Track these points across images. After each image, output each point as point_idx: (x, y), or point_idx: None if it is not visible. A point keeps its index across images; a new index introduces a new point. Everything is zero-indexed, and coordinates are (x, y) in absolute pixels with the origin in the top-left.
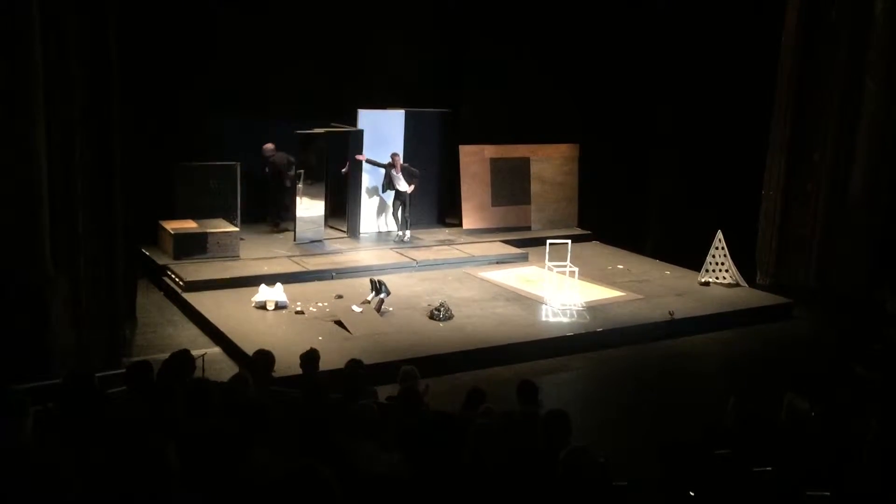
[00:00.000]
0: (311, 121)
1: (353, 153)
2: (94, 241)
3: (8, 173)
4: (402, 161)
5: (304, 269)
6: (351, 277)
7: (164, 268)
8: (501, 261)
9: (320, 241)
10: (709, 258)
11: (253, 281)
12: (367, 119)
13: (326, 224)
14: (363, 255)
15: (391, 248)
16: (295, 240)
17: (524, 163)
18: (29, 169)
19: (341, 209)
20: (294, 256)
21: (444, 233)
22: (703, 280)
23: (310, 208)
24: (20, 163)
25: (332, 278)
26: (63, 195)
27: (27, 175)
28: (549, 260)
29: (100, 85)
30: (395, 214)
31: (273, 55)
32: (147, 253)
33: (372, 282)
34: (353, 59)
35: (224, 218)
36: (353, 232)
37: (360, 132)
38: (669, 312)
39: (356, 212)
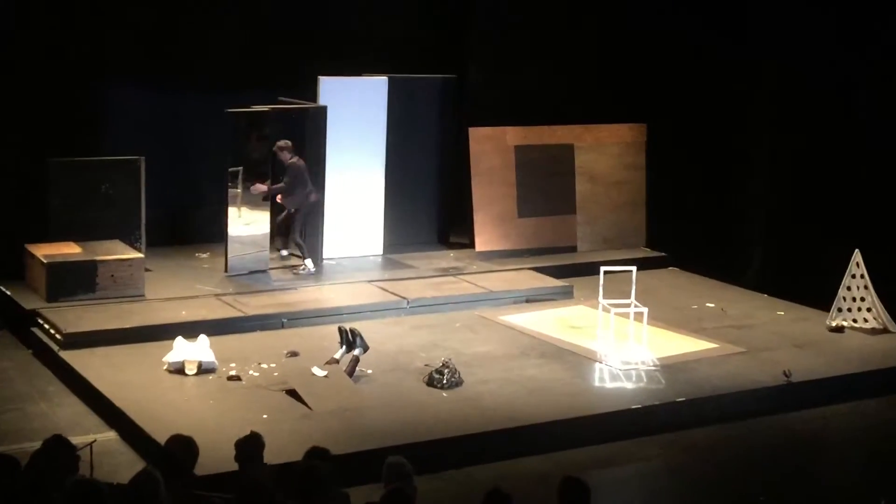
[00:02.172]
0: (251, 94)
1: (311, 139)
2: None
3: None
4: (290, 155)
5: (240, 315)
6: (311, 324)
7: (34, 314)
8: (533, 298)
9: (263, 271)
10: (842, 291)
11: (165, 332)
12: (333, 90)
13: (274, 247)
14: (328, 292)
15: (370, 282)
16: (226, 270)
17: (566, 152)
18: None
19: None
20: (225, 295)
21: (448, 257)
22: (834, 324)
23: (248, 223)
24: None
25: (281, 326)
26: None
27: None
28: (605, 296)
29: None
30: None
31: None
32: (8, 293)
33: (342, 332)
34: (312, 2)
35: (122, 240)
36: (313, 257)
37: (323, 109)
38: (785, 373)
39: (316, 228)
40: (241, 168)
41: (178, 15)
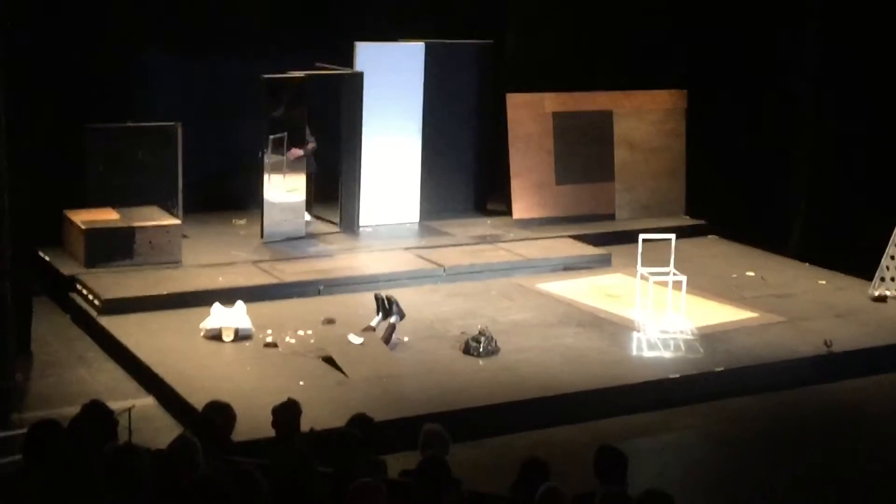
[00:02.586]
0: (287, 59)
1: (347, 106)
2: None
3: None
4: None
5: (277, 281)
6: (347, 292)
7: (72, 280)
8: (571, 266)
9: (300, 237)
10: (885, 261)
11: (202, 299)
12: (370, 56)
13: (310, 213)
14: (364, 258)
15: (407, 249)
16: (262, 237)
17: (605, 119)
18: None
19: (332, 191)
20: (262, 262)
21: (485, 225)
22: (876, 293)
23: (285, 190)
24: None
25: (318, 294)
26: None
27: None
28: (643, 265)
29: None
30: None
31: None
32: (47, 258)
33: (378, 299)
34: None
35: (159, 206)
36: (349, 225)
37: (359, 76)
38: (826, 343)
39: (353, 194)
40: (279, 135)
41: None
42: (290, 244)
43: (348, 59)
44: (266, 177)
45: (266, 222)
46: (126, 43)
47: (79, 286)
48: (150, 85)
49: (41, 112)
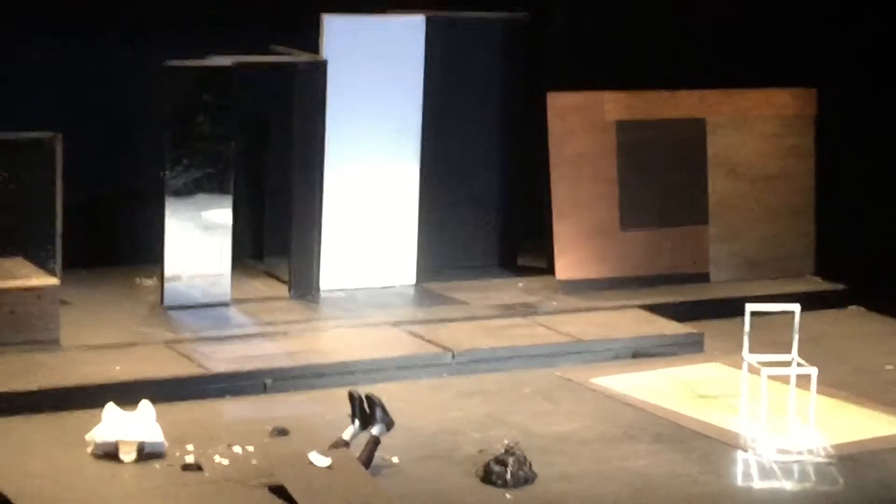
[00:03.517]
0: (230, 41)
1: (303, 111)
2: None
3: None
4: None
5: (202, 372)
6: (308, 388)
7: None
8: (643, 351)
9: (226, 304)
10: None
11: (90, 398)
12: (344, 35)
13: (242, 267)
14: (333, 339)
15: (397, 325)
16: (162, 300)
17: (694, 131)
18: None
19: (279, 234)
20: (180, 342)
21: (515, 289)
22: None
23: (200, 228)
24: None
25: (263, 391)
26: None
27: None
28: (753, 350)
29: None
30: None
31: None
32: None
33: (354, 400)
34: None
35: (27, 256)
36: (305, 287)
37: (321, 66)
38: None
39: (310, 242)
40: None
41: None
42: (219, 315)
43: (312, 40)
44: (168, 208)
45: (168, 275)
46: None
47: None
48: (13, 81)
49: None
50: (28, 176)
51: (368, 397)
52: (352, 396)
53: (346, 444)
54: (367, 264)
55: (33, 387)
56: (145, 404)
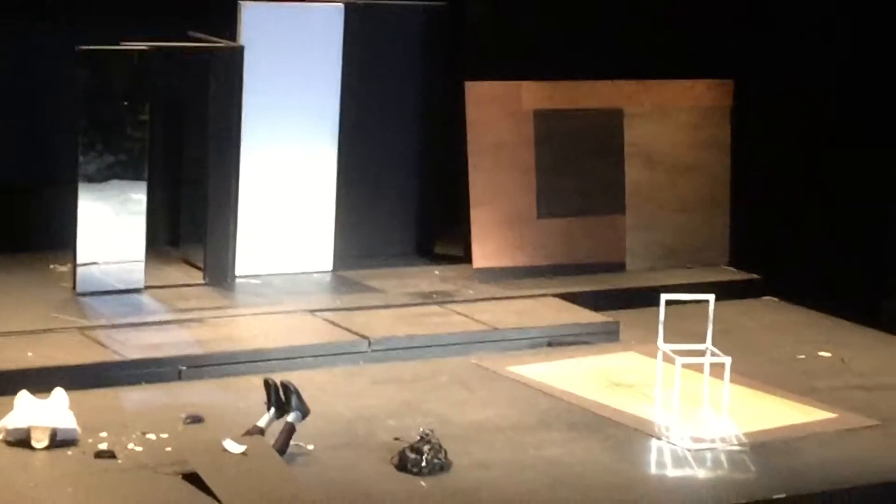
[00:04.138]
0: (145, 29)
1: (219, 97)
2: None
3: None
4: None
5: (116, 359)
6: (222, 374)
7: None
8: (558, 340)
9: (137, 290)
10: None
11: (2, 385)
12: (260, 23)
13: (157, 253)
14: (248, 326)
15: (313, 312)
16: (75, 286)
17: (611, 120)
18: None
19: (194, 221)
20: (93, 329)
21: (431, 277)
22: None
23: (112, 214)
24: None
25: (178, 378)
26: None
27: None
28: (668, 340)
29: None
30: None
31: None
32: None
33: (270, 387)
34: None
35: None
36: (220, 274)
37: (238, 52)
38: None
39: (225, 229)
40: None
41: None
42: (133, 301)
43: (231, 27)
44: (82, 194)
45: (81, 261)
46: None
47: None
48: None
49: None
50: None
51: (284, 384)
52: (267, 384)
53: (262, 431)
54: (283, 251)
55: None
56: (58, 392)
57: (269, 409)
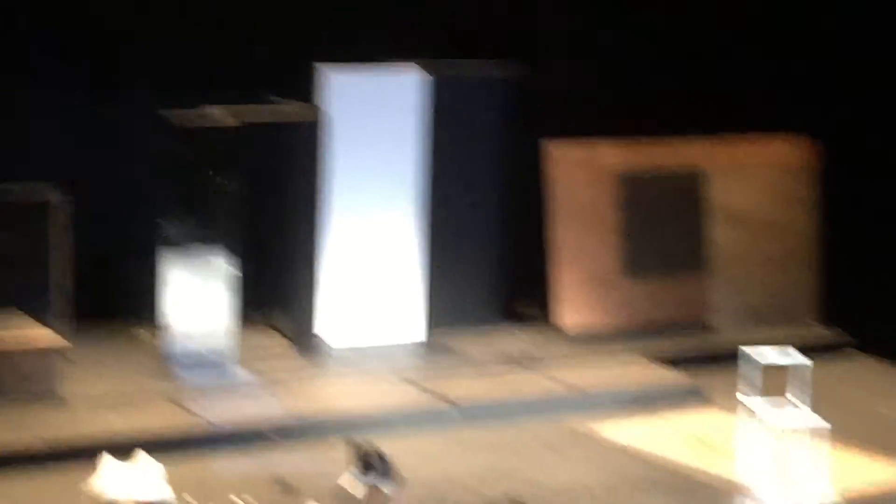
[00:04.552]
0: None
1: (301, 164)
2: None
3: None
4: None
5: (204, 426)
6: (310, 441)
7: None
8: (645, 400)
9: (225, 358)
10: None
11: (90, 451)
12: (341, 89)
13: (244, 320)
14: (338, 391)
15: (399, 377)
16: (165, 357)
17: (693, 181)
18: None
19: (280, 288)
20: (181, 396)
21: (515, 339)
22: None
23: (197, 287)
24: None
25: (265, 443)
26: None
27: None
28: (754, 398)
29: None
30: None
31: None
32: None
33: (358, 450)
34: None
35: (30, 312)
36: (306, 341)
37: (323, 119)
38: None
39: (309, 295)
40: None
41: None
42: (220, 369)
43: (306, 92)
44: (169, 262)
45: (168, 329)
46: None
47: None
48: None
49: None
50: (34, 232)
51: (375, 452)
52: (352, 445)
53: (351, 494)
54: (371, 318)
55: (35, 440)
56: (144, 457)
57: (355, 470)
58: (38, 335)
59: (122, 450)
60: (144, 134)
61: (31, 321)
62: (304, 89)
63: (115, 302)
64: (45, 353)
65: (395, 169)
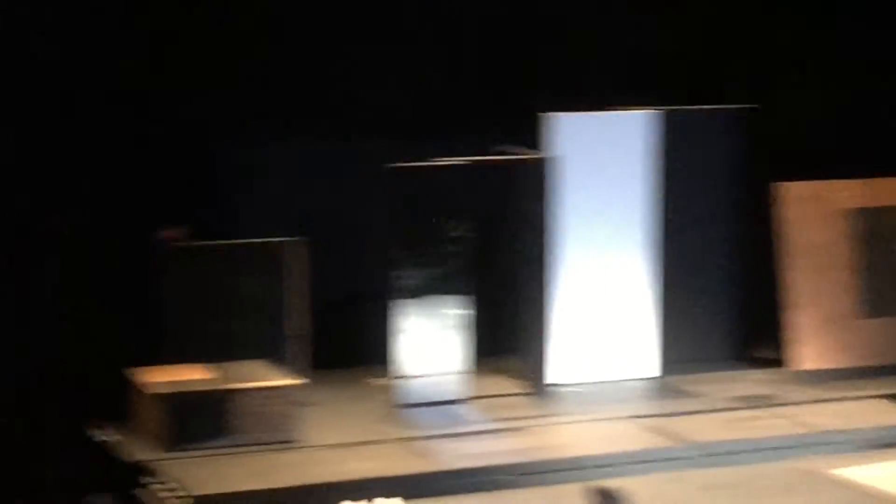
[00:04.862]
0: (445, 142)
1: (527, 208)
2: None
3: None
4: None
5: (437, 469)
6: (544, 484)
7: (144, 469)
8: (886, 442)
9: (457, 401)
10: None
11: (332, 495)
12: (567, 132)
13: (475, 363)
14: (569, 433)
15: (632, 418)
16: (396, 399)
17: None
18: None
19: (510, 331)
20: (415, 439)
21: (751, 380)
22: None
23: (428, 331)
24: None
25: (500, 487)
26: None
27: None
28: None
29: None
30: None
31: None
32: (107, 440)
33: (595, 495)
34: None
35: (266, 358)
36: (536, 382)
37: (545, 163)
38: None
39: (539, 338)
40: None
41: (337, 38)
42: (453, 412)
43: (530, 137)
44: (398, 308)
45: (400, 374)
46: (206, 132)
47: (155, 478)
48: (243, 186)
49: (95, 227)
50: (271, 280)
51: (613, 495)
52: (592, 491)
53: None
54: (603, 358)
55: (277, 484)
56: (383, 502)
57: None
58: (277, 381)
59: (360, 493)
60: (374, 182)
61: (269, 368)
62: (530, 135)
63: (349, 349)
64: (283, 399)
65: (623, 208)
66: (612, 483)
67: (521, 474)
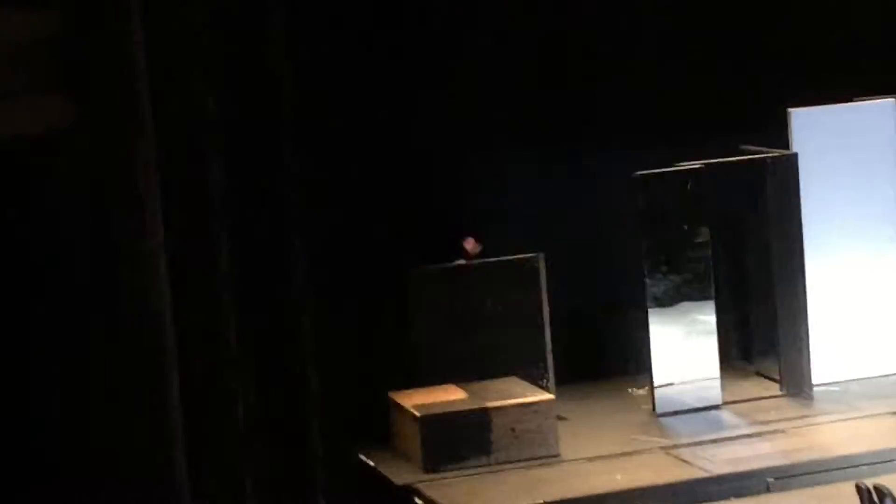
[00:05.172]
0: (691, 148)
1: (775, 207)
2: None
3: None
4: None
5: (703, 475)
6: (810, 485)
7: (407, 490)
8: None
9: (716, 406)
10: None
11: None
12: (811, 127)
13: (730, 368)
14: (832, 432)
15: (893, 412)
16: (654, 407)
17: None
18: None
19: (764, 333)
20: (677, 447)
21: None
22: None
23: (681, 338)
24: None
25: (766, 489)
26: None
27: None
28: None
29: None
30: None
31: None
32: (370, 462)
33: (862, 492)
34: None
35: (520, 375)
36: (797, 383)
37: (791, 160)
38: None
39: (799, 339)
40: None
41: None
42: (712, 418)
43: (776, 135)
44: (653, 317)
45: (657, 383)
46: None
47: (419, 500)
48: (483, 202)
49: (343, 252)
50: (515, 296)
51: (878, 489)
52: (859, 489)
53: None
54: (861, 355)
55: (540, 500)
56: None
57: None
58: (532, 397)
59: None
60: (619, 189)
61: (524, 383)
62: (773, 134)
63: (602, 360)
64: (539, 415)
65: (871, 198)
66: (879, 480)
67: (787, 476)
